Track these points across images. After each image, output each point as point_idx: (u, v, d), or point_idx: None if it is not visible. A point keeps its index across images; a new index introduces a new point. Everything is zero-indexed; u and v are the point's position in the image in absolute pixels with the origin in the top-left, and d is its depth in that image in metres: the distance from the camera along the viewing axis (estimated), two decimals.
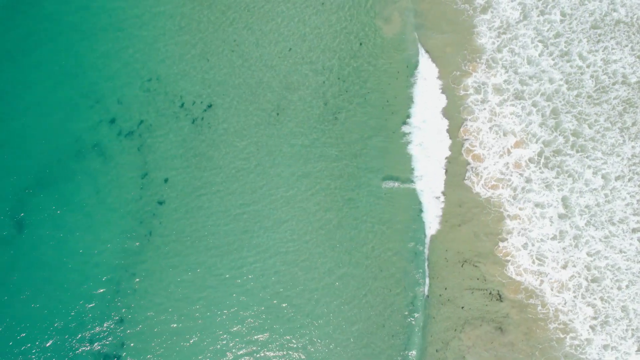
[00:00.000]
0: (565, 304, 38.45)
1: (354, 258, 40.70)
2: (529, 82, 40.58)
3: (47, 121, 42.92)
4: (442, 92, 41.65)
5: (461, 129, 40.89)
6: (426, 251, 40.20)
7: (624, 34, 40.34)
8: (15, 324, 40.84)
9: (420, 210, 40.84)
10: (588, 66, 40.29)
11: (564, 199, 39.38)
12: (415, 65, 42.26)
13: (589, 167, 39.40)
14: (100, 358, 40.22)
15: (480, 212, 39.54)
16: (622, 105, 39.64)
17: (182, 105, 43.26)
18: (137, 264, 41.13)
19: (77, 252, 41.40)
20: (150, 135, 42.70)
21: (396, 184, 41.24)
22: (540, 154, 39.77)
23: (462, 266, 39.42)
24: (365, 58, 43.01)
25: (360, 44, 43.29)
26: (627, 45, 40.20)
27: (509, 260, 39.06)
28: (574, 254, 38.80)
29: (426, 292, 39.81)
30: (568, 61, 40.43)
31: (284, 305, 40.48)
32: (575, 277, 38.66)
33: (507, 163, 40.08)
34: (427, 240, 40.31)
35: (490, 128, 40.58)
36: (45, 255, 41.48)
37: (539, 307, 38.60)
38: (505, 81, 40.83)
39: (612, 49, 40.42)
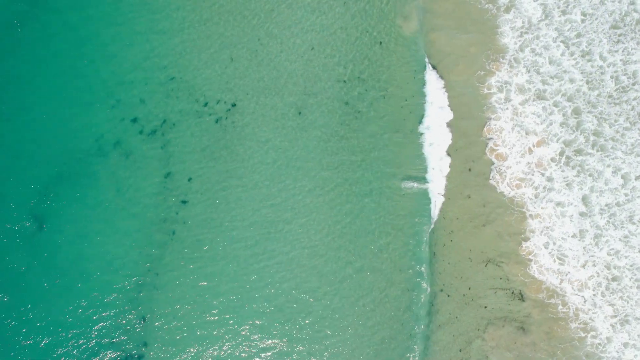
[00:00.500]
0: (585, 302, 38.67)
1: (371, 256, 40.77)
2: (550, 82, 40.67)
3: (67, 119, 42.66)
4: (445, 90, 41.77)
5: (485, 128, 41.00)
6: (449, 251, 40.32)
7: None
8: (34, 321, 40.62)
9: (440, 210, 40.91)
10: (608, 66, 40.40)
11: (584, 197, 39.55)
12: (424, 67, 42.46)
13: (609, 166, 39.58)
14: (121, 357, 40.08)
15: (504, 212, 39.68)
16: None
17: (206, 104, 43.04)
18: (160, 263, 41.00)
19: (98, 250, 41.24)
20: (174, 134, 42.49)
21: (415, 185, 41.35)
22: (561, 153, 39.91)
23: (485, 266, 39.57)
24: (385, 57, 42.99)
25: (380, 42, 43.23)
26: None
27: (532, 260, 39.24)
28: (594, 253, 39.00)
29: (449, 292, 39.91)
30: (589, 61, 40.53)
31: (304, 296, 40.43)
32: (595, 276, 38.87)
33: (530, 162, 40.24)
34: (451, 240, 40.40)
35: (513, 127, 40.68)
36: (65, 253, 41.27)
37: (560, 307, 38.78)
38: (527, 81, 40.92)
39: (633, 49, 40.53)
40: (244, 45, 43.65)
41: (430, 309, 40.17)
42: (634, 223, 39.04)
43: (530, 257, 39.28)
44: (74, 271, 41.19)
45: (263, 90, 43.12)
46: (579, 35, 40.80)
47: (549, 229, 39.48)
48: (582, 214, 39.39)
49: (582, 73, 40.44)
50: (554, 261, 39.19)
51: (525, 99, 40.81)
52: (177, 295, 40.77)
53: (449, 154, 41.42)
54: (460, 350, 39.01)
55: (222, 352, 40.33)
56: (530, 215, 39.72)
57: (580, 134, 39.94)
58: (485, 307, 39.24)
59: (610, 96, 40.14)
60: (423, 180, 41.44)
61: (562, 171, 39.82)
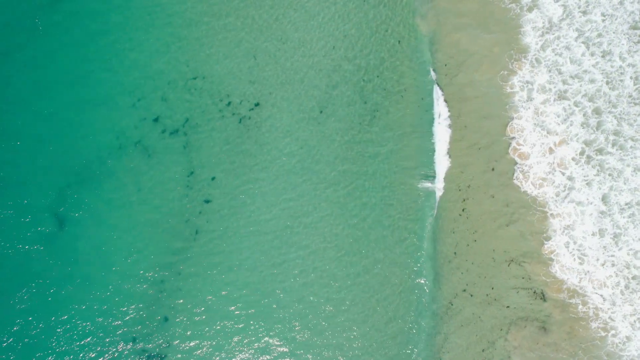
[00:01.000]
0: (604, 301, 38.79)
1: (391, 255, 40.82)
2: (570, 82, 40.75)
3: (89, 118, 42.54)
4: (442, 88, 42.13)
5: (508, 128, 41.06)
6: (473, 251, 40.39)
7: None
8: (56, 321, 40.44)
9: (463, 209, 40.99)
10: (628, 66, 40.50)
11: (604, 197, 39.68)
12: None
13: (629, 165, 39.70)
14: (144, 357, 39.97)
15: (527, 211, 39.73)
16: None
17: (229, 104, 42.90)
18: (183, 263, 40.89)
19: (120, 250, 41.15)
20: (196, 134, 42.34)
21: (430, 185, 41.44)
22: (582, 153, 40.02)
23: (508, 265, 39.64)
24: (404, 55, 43.04)
25: (399, 41, 43.23)
26: None
27: (553, 259, 39.34)
28: (613, 252, 39.13)
29: (472, 291, 39.98)
30: (609, 61, 40.63)
31: (321, 301, 40.48)
32: (614, 275, 39.00)
33: (551, 162, 40.33)
34: (474, 240, 40.47)
35: (534, 127, 40.77)
36: (87, 252, 41.15)
37: (580, 306, 38.87)
38: (548, 81, 41.02)
39: None
40: (266, 44, 43.56)
41: (449, 308, 40.22)
42: None
43: (552, 256, 39.39)
44: (93, 270, 41.05)
45: (286, 89, 43.05)
46: (599, 36, 40.87)
47: (570, 227, 39.59)
48: (601, 213, 39.51)
49: (602, 73, 40.53)
50: (574, 260, 39.30)
51: (546, 98, 40.91)
52: (200, 294, 40.65)
53: (469, 153, 41.47)
54: (483, 351, 39.07)
55: (240, 350, 40.33)
56: (552, 215, 39.80)
57: (601, 134, 40.04)
58: (508, 306, 39.31)
59: (630, 96, 40.25)
60: (435, 179, 41.59)
61: (582, 170, 39.94)
